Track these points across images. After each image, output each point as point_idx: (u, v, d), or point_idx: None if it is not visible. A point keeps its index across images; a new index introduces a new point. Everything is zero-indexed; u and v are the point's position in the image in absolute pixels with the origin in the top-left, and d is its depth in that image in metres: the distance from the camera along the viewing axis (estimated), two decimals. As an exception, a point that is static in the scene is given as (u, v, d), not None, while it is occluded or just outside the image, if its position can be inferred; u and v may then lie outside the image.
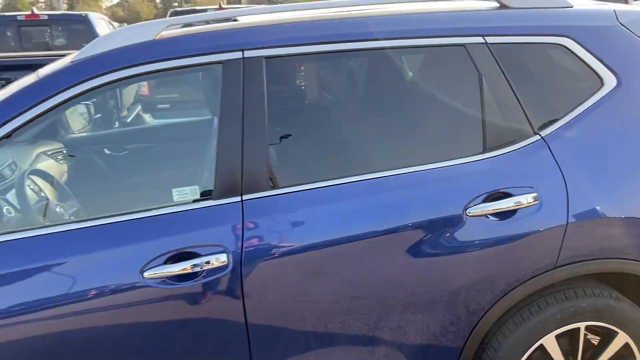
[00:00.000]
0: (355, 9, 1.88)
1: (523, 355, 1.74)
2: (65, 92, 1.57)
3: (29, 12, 7.23)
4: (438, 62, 1.93)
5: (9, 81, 3.00)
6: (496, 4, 1.83)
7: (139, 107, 4.11)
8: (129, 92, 3.87)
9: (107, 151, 2.73)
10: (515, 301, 1.69)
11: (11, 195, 1.91)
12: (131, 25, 1.76)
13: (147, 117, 4.15)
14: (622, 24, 1.78)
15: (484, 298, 1.67)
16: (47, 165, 2.31)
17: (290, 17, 1.80)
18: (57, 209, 1.94)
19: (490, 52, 1.70)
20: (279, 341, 1.62)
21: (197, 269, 1.51)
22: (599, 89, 1.73)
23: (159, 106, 5.11)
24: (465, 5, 1.93)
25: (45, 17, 7.19)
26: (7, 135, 1.56)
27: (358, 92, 2.35)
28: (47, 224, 1.73)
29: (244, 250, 1.54)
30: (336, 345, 1.67)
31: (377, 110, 1.95)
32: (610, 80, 1.73)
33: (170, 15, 7.10)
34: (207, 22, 1.86)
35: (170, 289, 1.51)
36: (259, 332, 1.59)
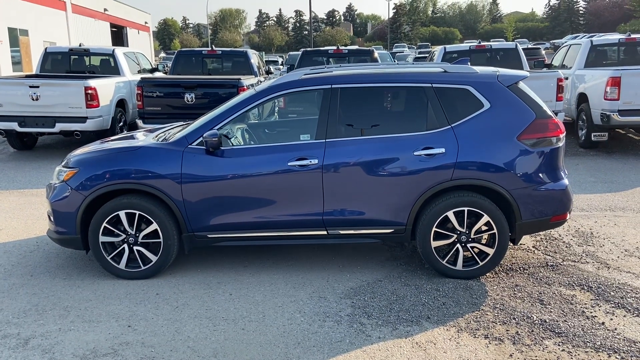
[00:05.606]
0: (375, 70, 4.41)
1: (437, 219, 4.06)
2: (266, 97, 4.26)
3: (210, 48, 10.57)
4: (409, 94, 4.37)
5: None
6: (442, 70, 4.23)
7: (278, 112, 6.96)
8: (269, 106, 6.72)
9: (266, 130, 5.49)
10: (432, 194, 4.04)
11: (235, 138, 4.64)
12: (295, 70, 4.43)
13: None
14: (498, 80, 4.09)
15: (418, 191, 4.04)
16: (240, 131, 5.08)
17: (348, 72, 4.36)
18: (251, 142, 4.66)
19: (434, 91, 4.11)
20: (335, 195, 4.12)
21: (307, 162, 4.07)
22: (481, 108, 4.05)
23: (289, 115, 8.03)
24: (427, 70, 4.36)
25: (220, 52, 10.49)
26: (241, 115, 4.28)
27: (382, 104, 4.78)
28: (248, 145, 4.42)
29: (325, 158, 4.07)
30: (348, 201, 4.12)
31: (380, 111, 4.43)
32: (487, 104, 4.04)
33: (302, 55, 10.07)
34: (320, 72, 4.47)
35: (296, 170, 4.09)
36: (327, 189, 4.09)
